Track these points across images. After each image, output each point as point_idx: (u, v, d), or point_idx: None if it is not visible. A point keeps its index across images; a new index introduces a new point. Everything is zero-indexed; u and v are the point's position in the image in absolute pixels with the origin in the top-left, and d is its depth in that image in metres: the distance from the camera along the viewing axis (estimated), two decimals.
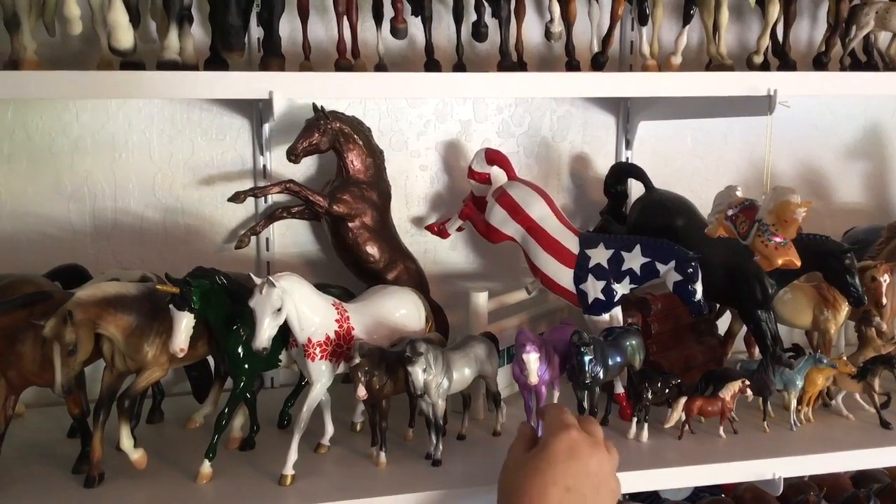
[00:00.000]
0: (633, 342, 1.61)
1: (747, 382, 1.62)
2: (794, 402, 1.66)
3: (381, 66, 1.65)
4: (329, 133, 1.70)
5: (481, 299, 1.71)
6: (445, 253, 2.05)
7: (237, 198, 1.70)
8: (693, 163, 2.18)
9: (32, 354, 1.37)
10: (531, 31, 1.95)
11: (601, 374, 1.54)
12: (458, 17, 1.68)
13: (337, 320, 1.47)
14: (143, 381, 1.41)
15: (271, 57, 1.52)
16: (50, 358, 1.33)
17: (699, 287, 1.58)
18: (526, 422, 1.38)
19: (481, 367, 1.55)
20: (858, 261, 1.71)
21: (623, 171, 1.99)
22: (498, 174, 1.81)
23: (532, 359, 1.48)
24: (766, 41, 1.77)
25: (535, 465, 1.19)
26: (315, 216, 1.83)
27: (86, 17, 1.39)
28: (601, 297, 1.66)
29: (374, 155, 1.78)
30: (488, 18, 1.66)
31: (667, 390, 1.60)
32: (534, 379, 1.49)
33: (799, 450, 1.57)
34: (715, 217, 1.67)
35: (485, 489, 1.39)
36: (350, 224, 1.76)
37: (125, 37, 1.36)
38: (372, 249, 1.78)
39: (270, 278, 1.36)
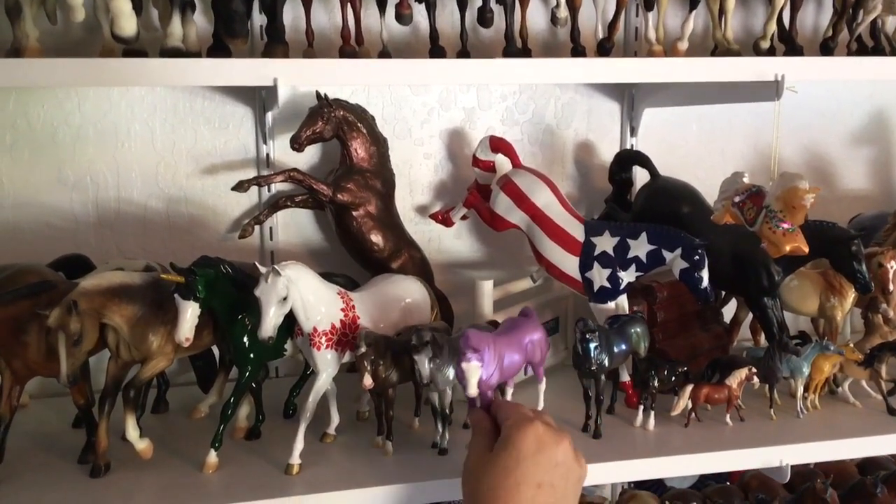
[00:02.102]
0: (639, 330, 1.60)
1: (754, 370, 1.62)
2: (800, 390, 1.65)
3: (384, 53, 1.64)
4: (333, 121, 1.69)
5: (486, 287, 1.71)
6: (450, 241, 2.04)
7: (241, 187, 1.69)
8: (699, 150, 2.17)
9: (37, 344, 1.37)
10: (536, 16, 1.93)
11: (607, 362, 1.53)
12: (463, 3, 1.66)
13: (342, 309, 1.46)
14: (148, 370, 1.41)
15: (275, 44, 1.51)
16: (55, 348, 1.32)
17: (706, 274, 1.57)
18: (480, 411, 1.29)
19: None
20: (865, 247, 1.71)
21: (628, 159, 1.98)
22: (502, 162, 1.80)
23: (472, 367, 1.33)
24: (773, 26, 1.76)
25: (503, 465, 1.14)
26: (319, 205, 1.82)
27: (88, 5, 1.37)
28: (607, 284, 1.65)
29: (378, 143, 1.77)
30: (493, 4, 1.65)
31: (673, 378, 1.59)
32: (472, 391, 1.33)
33: (805, 437, 1.57)
34: (721, 204, 1.66)
35: None
36: (354, 213, 1.75)
37: (128, 24, 1.34)
38: (376, 238, 1.78)
39: (276, 267, 1.35)
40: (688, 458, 1.50)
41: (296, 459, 1.40)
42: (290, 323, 1.43)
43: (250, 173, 1.86)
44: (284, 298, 1.35)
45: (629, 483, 2.02)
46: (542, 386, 1.60)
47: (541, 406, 1.57)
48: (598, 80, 1.58)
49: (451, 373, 1.43)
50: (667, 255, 1.60)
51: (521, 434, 1.16)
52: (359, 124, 1.73)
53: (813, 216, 1.62)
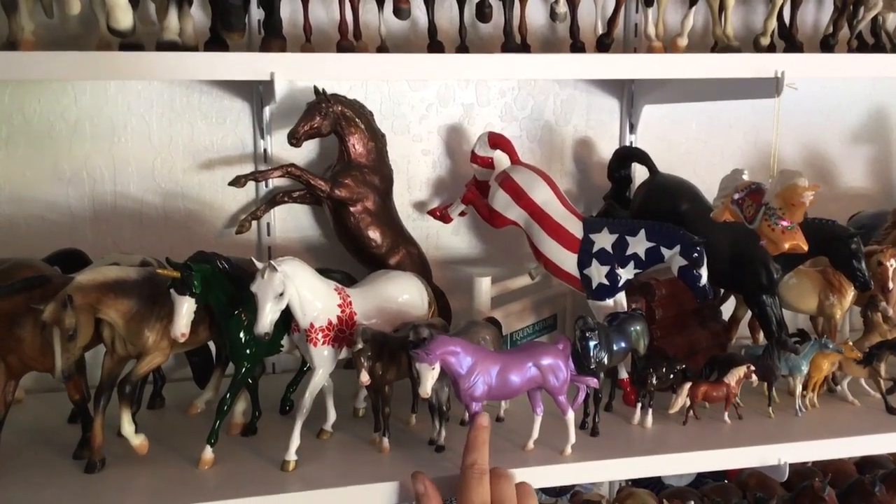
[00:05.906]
0: (638, 327, 1.60)
1: (752, 368, 1.61)
2: (799, 388, 1.65)
3: (383, 48, 1.63)
4: (330, 116, 1.68)
5: (484, 284, 1.71)
6: (448, 238, 2.03)
7: (238, 182, 1.68)
8: (698, 147, 2.16)
9: (32, 339, 1.36)
10: (535, 12, 1.93)
11: (606, 360, 1.53)
12: None
13: (339, 305, 1.46)
14: (143, 366, 1.40)
15: (272, 38, 1.50)
16: (50, 343, 1.32)
17: (704, 272, 1.57)
18: (426, 480, 1.31)
19: None
20: (864, 245, 1.70)
21: (627, 156, 1.98)
22: (501, 158, 1.80)
23: (423, 369, 1.33)
24: (773, 23, 1.75)
25: None
26: (316, 200, 1.81)
27: None
28: (605, 281, 1.65)
29: (376, 139, 1.77)
30: None
31: (671, 376, 1.59)
32: (422, 392, 1.33)
33: (804, 435, 1.57)
34: (721, 201, 1.65)
35: None
36: (352, 208, 1.74)
37: (124, 17, 1.34)
38: (374, 234, 1.77)
39: (272, 263, 1.35)
40: (686, 456, 1.50)
41: (292, 456, 1.40)
42: (286, 319, 1.43)
43: (247, 168, 1.85)
44: (281, 294, 1.35)
45: (627, 480, 2.02)
46: (569, 417, 1.46)
47: (572, 440, 1.45)
48: (597, 76, 1.58)
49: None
50: (665, 252, 1.59)
51: None
52: (357, 120, 1.72)
53: (812, 214, 1.61)
